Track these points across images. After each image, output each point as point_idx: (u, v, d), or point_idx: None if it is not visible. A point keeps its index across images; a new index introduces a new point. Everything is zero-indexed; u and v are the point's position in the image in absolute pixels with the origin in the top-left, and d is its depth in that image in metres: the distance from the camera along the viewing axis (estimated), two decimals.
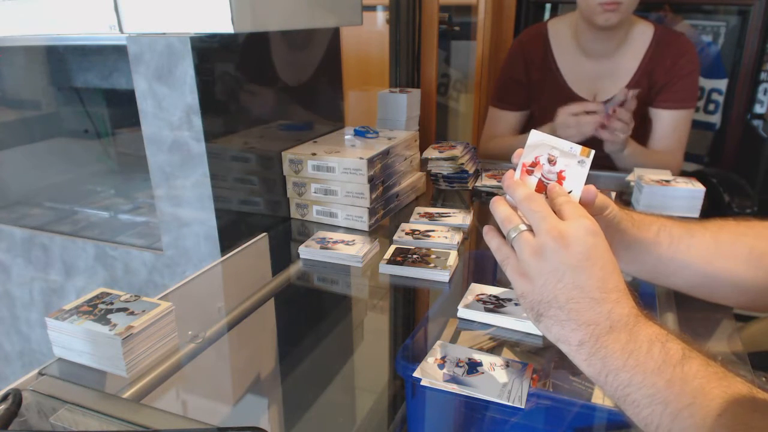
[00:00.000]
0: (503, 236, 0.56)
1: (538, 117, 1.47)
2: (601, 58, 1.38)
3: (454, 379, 0.59)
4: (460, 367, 0.61)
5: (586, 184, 0.58)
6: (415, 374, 0.60)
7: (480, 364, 0.61)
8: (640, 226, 0.64)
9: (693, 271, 0.64)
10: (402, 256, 0.89)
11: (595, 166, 0.61)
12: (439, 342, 0.66)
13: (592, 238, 0.50)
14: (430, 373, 0.60)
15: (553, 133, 1.26)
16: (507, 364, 0.61)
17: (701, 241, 0.64)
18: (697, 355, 0.46)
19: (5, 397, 0.57)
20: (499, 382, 0.58)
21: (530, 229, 0.53)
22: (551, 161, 0.58)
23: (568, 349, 0.50)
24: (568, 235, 0.50)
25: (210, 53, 0.91)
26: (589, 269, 0.49)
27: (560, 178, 0.57)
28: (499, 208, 0.57)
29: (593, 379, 0.49)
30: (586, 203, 0.57)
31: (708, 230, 0.65)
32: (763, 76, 1.79)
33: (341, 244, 0.95)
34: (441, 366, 0.61)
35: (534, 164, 0.58)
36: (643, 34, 1.36)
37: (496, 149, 1.49)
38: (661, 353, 0.45)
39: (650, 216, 0.66)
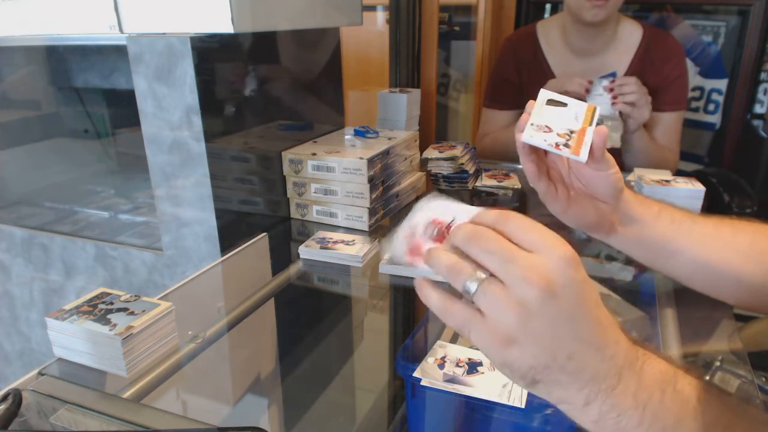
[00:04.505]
0: (448, 290, 0.43)
1: None
2: (590, 56, 1.39)
3: (454, 379, 0.59)
4: (460, 367, 0.61)
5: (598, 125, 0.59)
6: (415, 374, 0.60)
7: (480, 364, 0.61)
8: (643, 202, 0.65)
9: (692, 257, 0.64)
10: None
11: None
12: (439, 342, 0.66)
13: (575, 273, 0.39)
14: (430, 373, 0.60)
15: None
16: None
17: (703, 227, 0.65)
18: (709, 388, 0.42)
19: (5, 397, 0.57)
20: (499, 382, 0.58)
21: (491, 276, 0.40)
22: (441, 224, 0.46)
23: (570, 409, 0.42)
24: (552, 279, 0.38)
25: (210, 53, 0.91)
26: (587, 314, 0.40)
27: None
28: (437, 258, 0.42)
29: None
30: (595, 143, 0.57)
31: (709, 220, 0.66)
32: (763, 76, 1.79)
33: (341, 244, 0.95)
34: (441, 366, 0.61)
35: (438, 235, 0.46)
36: (631, 33, 1.37)
37: (489, 145, 1.49)
38: (674, 401, 0.40)
39: (653, 198, 0.67)
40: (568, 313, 0.39)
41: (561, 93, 1.27)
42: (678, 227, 0.64)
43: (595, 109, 0.59)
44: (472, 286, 0.40)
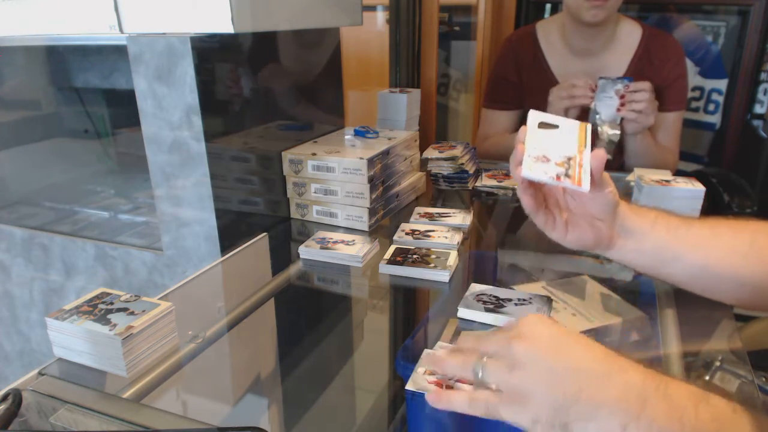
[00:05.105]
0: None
1: None
2: (589, 57, 1.39)
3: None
4: None
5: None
6: (407, 387, 0.58)
7: None
8: (638, 212, 0.66)
9: (690, 261, 0.64)
10: (402, 256, 0.89)
11: None
12: (439, 343, 0.65)
13: (550, 323, 0.46)
14: (422, 386, 0.58)
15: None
16: None
17: (699, 231, 0.65)
18: (740, 404, 0.42)
19: (5, 397, 0.57)
20: None
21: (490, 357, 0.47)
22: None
23: None
24: (523, 331, 0.45)
25: (210, 53, 0.91)
26: (576, 349, 0.44)
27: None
28: (447, 362, 0.49)
29: None
30: (594, 169, 0.58)
31: (706, 223, 0.66)
32: (763, 76, 1.79)
33: (341, 244, 0.95)
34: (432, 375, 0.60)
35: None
36: (630, 33, 1.37)
37: (491, 149, 1.49)
38: (710, 413, 0.41)
39: (647, 207, 0.68)
40: (556, 352, 0.44)
41: (569, 98, 1.27)
42: (674, 233, 0.64)
43: (586, 127, 0.59)
44: (479, 368, 0.46)
